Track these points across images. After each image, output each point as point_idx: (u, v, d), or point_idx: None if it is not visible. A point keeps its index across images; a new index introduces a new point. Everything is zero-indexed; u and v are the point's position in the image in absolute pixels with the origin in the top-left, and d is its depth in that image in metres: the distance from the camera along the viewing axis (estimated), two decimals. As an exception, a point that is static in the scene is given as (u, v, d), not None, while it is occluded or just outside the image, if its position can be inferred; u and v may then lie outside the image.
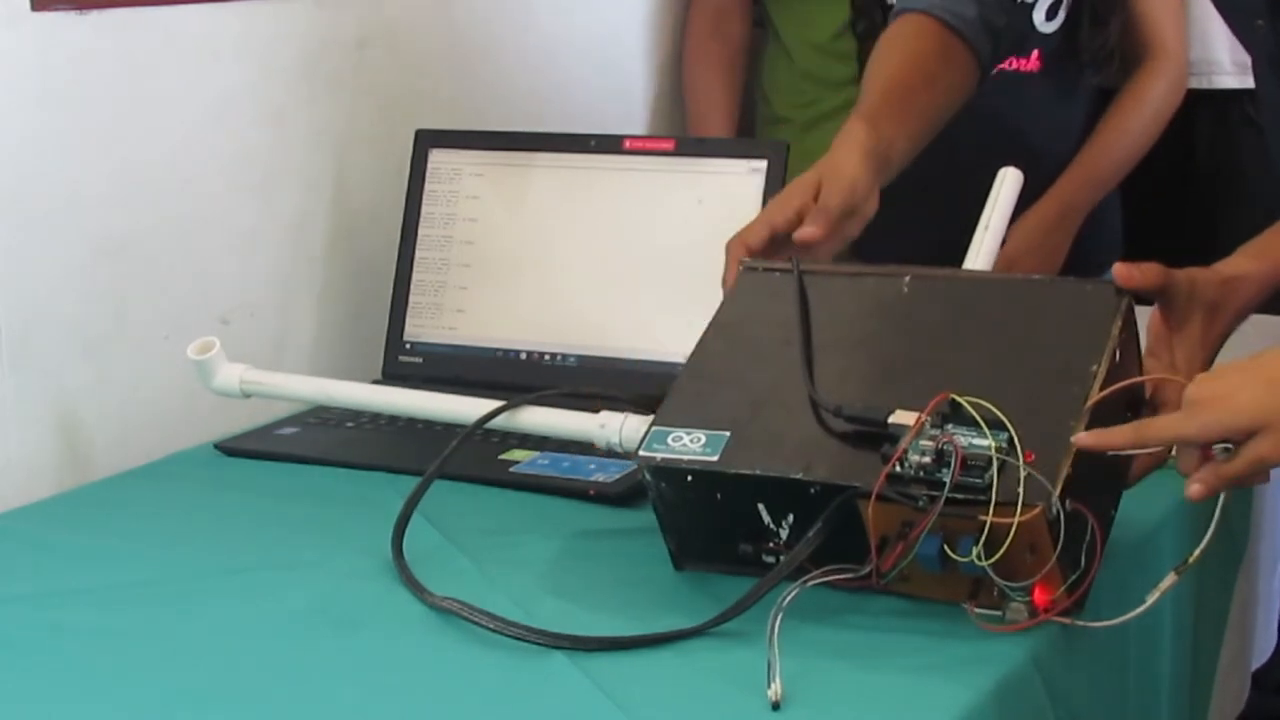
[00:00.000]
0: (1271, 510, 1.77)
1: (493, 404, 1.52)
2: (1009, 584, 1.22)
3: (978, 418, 1.23)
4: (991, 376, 1.28)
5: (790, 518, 1.29)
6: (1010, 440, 1.22)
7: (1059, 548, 1.20)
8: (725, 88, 2.47)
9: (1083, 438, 1.23)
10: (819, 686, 1.16)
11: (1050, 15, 1.74)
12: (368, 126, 2.00)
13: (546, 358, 1.85)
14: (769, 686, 1.14)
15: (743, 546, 1.32)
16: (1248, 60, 1.81)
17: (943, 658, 1.21)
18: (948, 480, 1.21)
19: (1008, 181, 1.60)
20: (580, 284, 1.85)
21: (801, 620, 1.20)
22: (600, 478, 1.57)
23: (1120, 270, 1.34)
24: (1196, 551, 1.26)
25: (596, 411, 1.48)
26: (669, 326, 1.71)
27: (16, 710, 1.18)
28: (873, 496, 1.22)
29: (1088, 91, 2.23)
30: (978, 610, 1.24)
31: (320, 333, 1.97)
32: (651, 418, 1.35)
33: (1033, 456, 1.21)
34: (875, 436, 1.26)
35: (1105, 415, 1.27)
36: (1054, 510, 1.20)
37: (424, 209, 1.92)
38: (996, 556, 1.20)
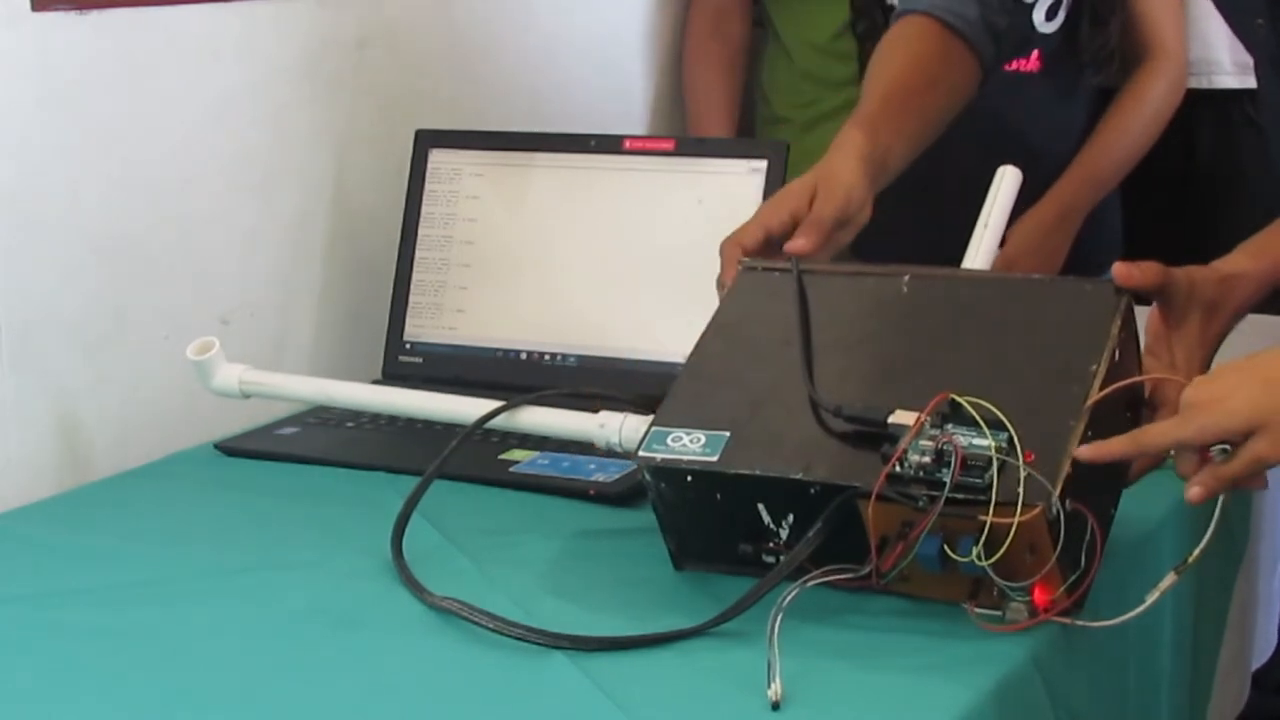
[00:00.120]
0: (1271, 510, 1.77)
1: (493, 404, 1.52)
2: (1009, 584, 1.22)
3: (977, 418, 1.23)
4: (991, 376, 1.28)
5: (790, 518, 1.29)
6: (1010, 440, 1.22)
7: (1059, 548, 1.20)
8: (725, 88, 2.47)
9: (1082, 451, 1.23)
10: (819, 686, 1.16)
11: (1050, 15, 1.74)
12: (368, 126, 2.00)
13: (546, 358, 1.85)
14: (769, 686, 1.14)
15: (743, 546, 1.32)
16: (1248, 60, 1.81)
17: (943, 658, 1.21)
18: (948, 480, 1.21)
19: (1006, 180, 1.60)
20: (580, 284, 1.85)
21: (801, 620, 1.20)
22: (600, 478, 1.57)
23: (1119, 269, 1.34)
24: (1196, 551, 1.26)
25: (596, 411, 1.48)
26: (669, 326, 1.71)
27: (16, 710, 1.18)
28: (873, 496, 1.22)
29: (1088, 91, 2.23)
30: (978, 610, 1.24)
31: (320, 333, 1.97)
32: (651, 418, 1.35)
33: (1032, 456, 1.21)
34: (875, 436, 1.26)
35: (1105, 415, 1.27)
36: (1054, 510, 1.20)
37: (424, 209, 1.92)
38: (996, 556, 1.20)
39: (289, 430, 1.76)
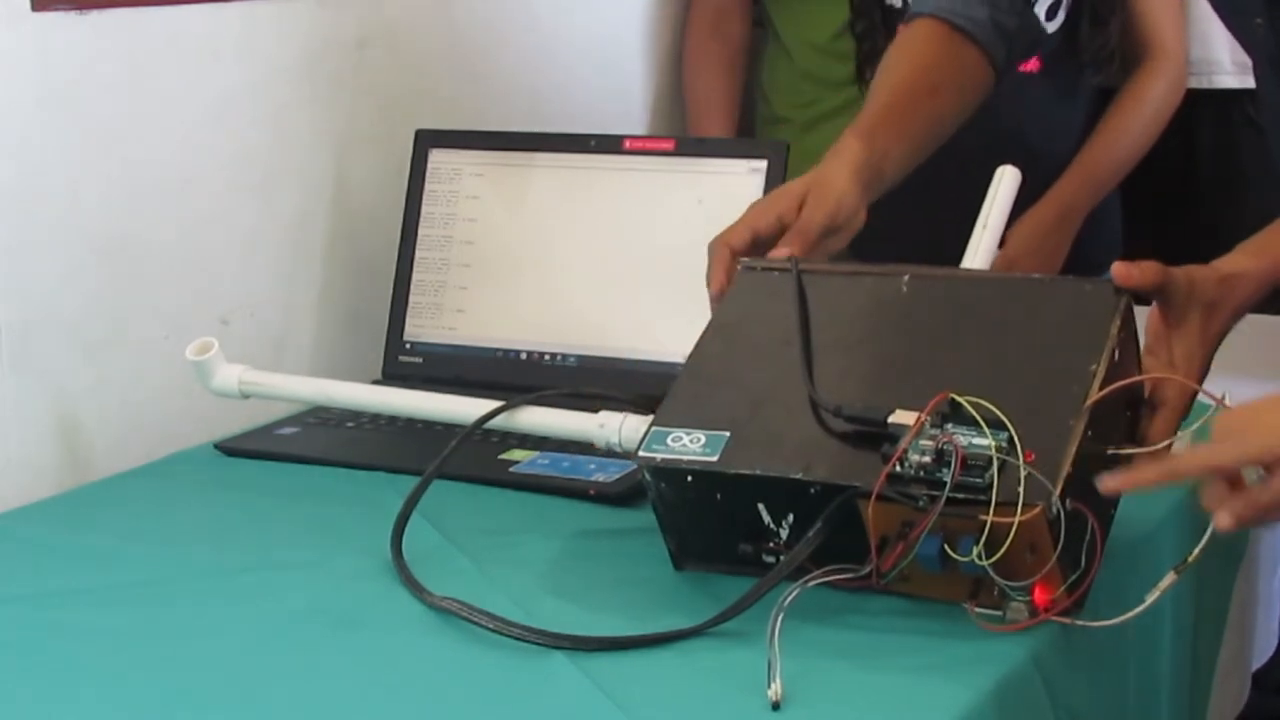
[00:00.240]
0: (1271, 510, 1.77)
1: (493, 404, 1.52)
2: (1009, 584, 1.22)
3: (978, 417, 1.23)
4: (991, 376, 1.28)
5: (790, 518, 1.29)
6: (1010, 440, 1.22)
7: (1059, 547, 1.20)
8: (725, 88, 2.48)
9: (1109, 482, 1.22)
10: (819, 686, 1.16)
11: (1050, 15, 1.74)
12: (368, 126, 2.00)
13: (546, 358, 1.85)
14: (769, 686, 1.14)
15: (743, 546, 1.32)
16: (1248, 60, 1.81)
17: (943, 658, 1.21)
18: (948, 480, 1.21)
19: (1005, 179, 1.60)
20: (580, 284, 1.85)
21: (801, 620, 1.20)
22: (600, 478, 1.57)
23: (1119, 269, 1.34)
24: (1196, 551, 1.26)
25: (596, 411, 1.48)
26: (669, 326, 1.71)
27: (16, 710, 1.18)
28: (873, 496, 1.22)
29: (1088, 91, 2.23)
30: (978, 610, 1.24)
31: (320, 333, 1.97)
32: (651, 418, 1.35)
33: (1033, 456, 1.21)
34: (875, 436, 1.26)
35: (1105, 414, 1.27)
36: (1054, 510, 1.20)
37: (424, 209, 1.92)
38: (997, 556, 1.20)
39: (289, 430, 1.76)
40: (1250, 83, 2.04)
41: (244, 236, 1.87)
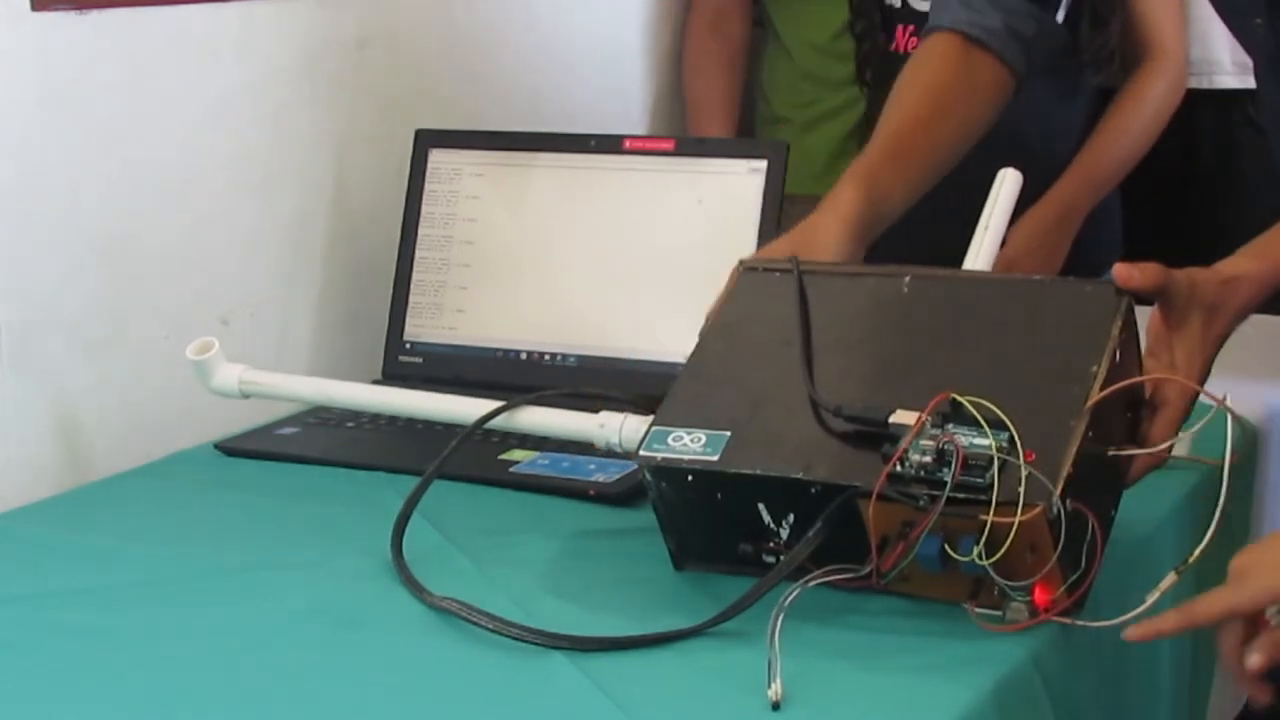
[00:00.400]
0: (1272, 510, 1.77)
1: (493, 404, 1.52)
2: (1009, 584, 1.22)
3: (979, 417, 1.23)
4: (991, 376, 1.28)
5: (790, 517, 1.29)
6: (1011, 440, 1.22)
7: (1059, 547, 1.20)
8: (725, 88, 2.48)
9: (1133, 633, 1.21)
10: (819, 686, 1.16)
11: (1051, 13, 1.74)
12: (368, 126, 2.00)
13: (546, 358, 1.85)
14: (769, 686, 1.14)
15: (743, 546, 1.32)
16: (1248, 60, 1.81)
17: (943, 658, 1.21)
18: (949, 480, 1.21)
19: (1007, 182, 1.60)
20: (580, 284, 1.85)
21: (802, 620, 1.20)
22: (600, 478, 1.57)
23: (1120, 270, 1.34)
24: (1196, 551, 1.26)
25: (596, 411, 1.48)
26: (669, 326, 1.71)
27: (16, 710, 1.18)
28: (873, 496, 1.22)
29: (1088, 91, 2.23)
30: (978, 610, 1.24)
31: (320, 333, 1.97)
32: (651, 418, 1.35)
33: (1033, 456, 1.21)
34: (875, 436, 1.26)
35: (1105, 415, 1.27)
36: (1055, 510, 1.20)
37: (424, 209, 1.92)
38: (997, 556, 1.20)
39: (289, 430, 1.76)
40: (1250, 83, 2.04)
41: (244, 236, 1.87)
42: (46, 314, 1.66)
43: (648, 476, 1.33)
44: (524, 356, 1.86)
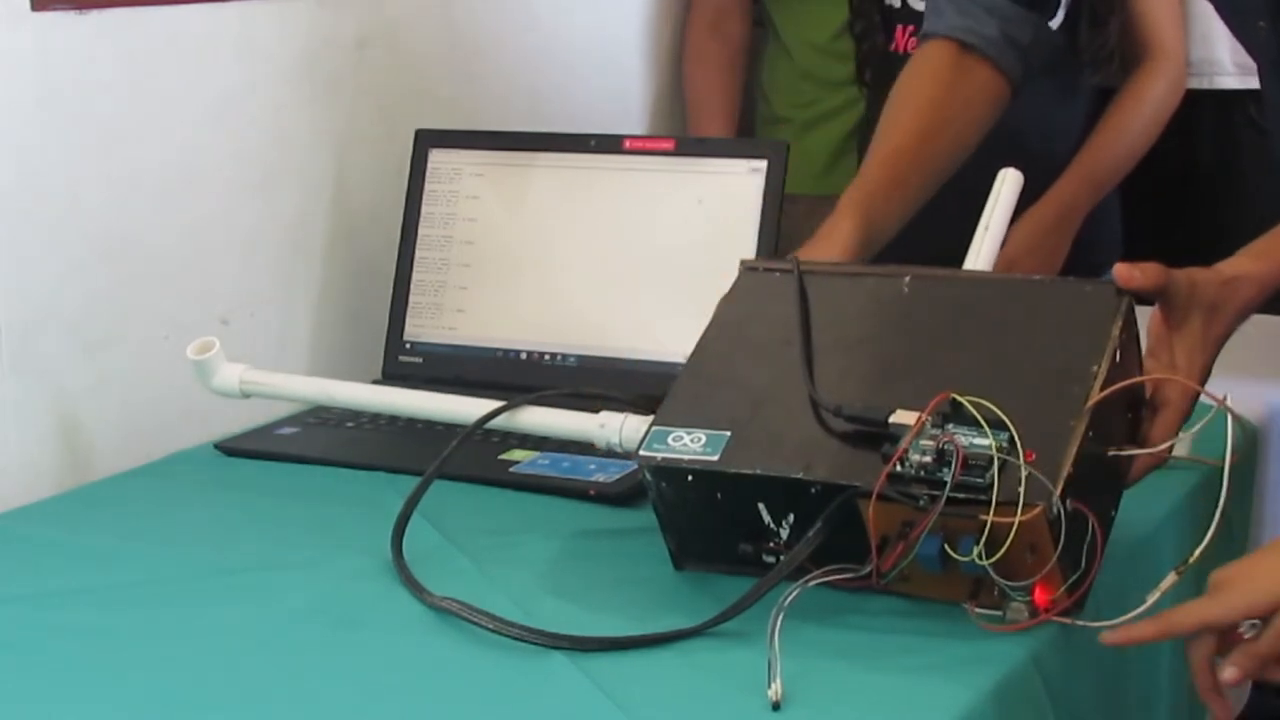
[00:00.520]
0: (1272, 510, 1.77)
1: (493, 404, 1.52)
2: (1009, 584, 1.22)
3: (979, 417, 1.22)
4: (992, 376, 1.28)
5: (790, 517, 1.29)
6: (1011, 440, 1.22)
7: (1059, 547, 1.20)
8: (725, 88, 2.48)
9: (1110, 637, 1.21)
10: (819, 686, 1.16)
11: (1051, 14, 1.74)
12: (368, 126, 2.00)
13: (546, 358, 1.85)
14: (769, 686, 1.14)
15: (743, 546, 1.32)
16: (1249, 61, 1.81)
17: (943, 658, 1.21)
18: (949, 480, 1.21)
19: (1008, 182, 1.60)
20: (580, 284, 1.85)
21: (801, 620, 1.20)
22: (600, 478, 1.57)
23: (1121, 270, 1.34)
24: (1196, 551, 1.26)
25: (596, 411, 1.48)
26: (669, 326, 1.71)
27: (16, 710, 1.18)
28: (873, 496, 1.22)
29: (1088, 91, 2.23)
30: (978, 610, 1.24)
31: (320, 333, 1.97)
32: (651, 418, 1.35)
33: (1033, 456, 1.21)
34: (875, 436, 1.26)
35: (1106, 415, 1.27)
36: (1055, 510, 1.20)
37: (424, 209, 1.92)
38: (997, 556, 1.20)
39: (289, 430, 1.76)
40: (1251, 83, 2.04)
41: (244, 236, 1.87)
42: (46, 314, 1.66)
43: (648, 476, 1.33)
44: (524, 356, 1.86)
